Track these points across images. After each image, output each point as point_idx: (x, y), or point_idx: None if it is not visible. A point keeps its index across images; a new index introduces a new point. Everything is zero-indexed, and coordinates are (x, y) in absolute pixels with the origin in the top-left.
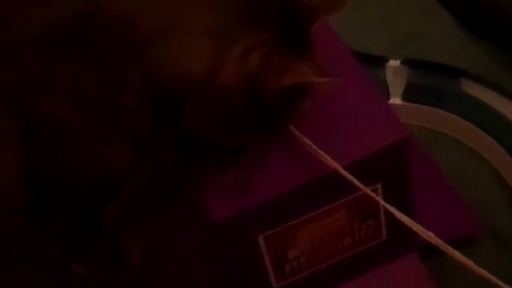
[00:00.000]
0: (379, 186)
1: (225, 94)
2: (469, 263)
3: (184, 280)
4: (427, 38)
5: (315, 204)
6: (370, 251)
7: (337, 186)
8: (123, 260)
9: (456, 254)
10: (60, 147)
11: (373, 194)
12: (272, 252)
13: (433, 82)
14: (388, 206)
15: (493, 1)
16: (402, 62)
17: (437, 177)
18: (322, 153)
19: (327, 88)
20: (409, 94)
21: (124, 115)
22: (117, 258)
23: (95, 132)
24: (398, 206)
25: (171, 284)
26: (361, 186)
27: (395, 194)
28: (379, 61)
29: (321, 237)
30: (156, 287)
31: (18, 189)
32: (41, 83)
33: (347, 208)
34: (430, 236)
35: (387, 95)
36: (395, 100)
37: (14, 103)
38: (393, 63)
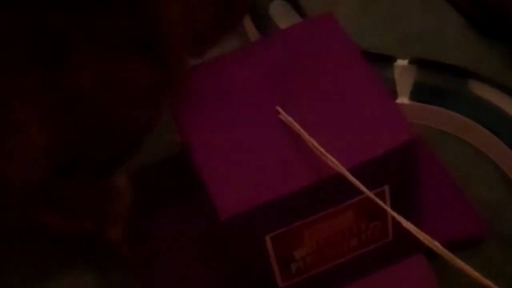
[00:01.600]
0: (386, 188)
1: None
2: (476, 274)
3: (188, 278)
4: (435, 38)
5: (323, 205)
6: (376, 252)
7: (345, 187)
8: (139, 239)
9: (463, 265)
10: (91, 118)
11: (379, 201)
12: (279, 252)
13: (441, 82)
14: (395, 214)
15: (502, 1)
16: (410, 62)
17: (443, 177)
18: (328, 155)
19: None
20: (416, 94)
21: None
22: (134, 236)
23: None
24: (405, 207)
25: (175, 283)
26: (366, 191)
27: (403, 196)
28: (387, 60)
29: (327, 238)
30: (159, 286)
31: (39, 164)
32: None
33: (354, 209)
34: (436, 246)
35: (395, 94)
36: (403, 99)
37: (49, 76)
38: (401, 62)
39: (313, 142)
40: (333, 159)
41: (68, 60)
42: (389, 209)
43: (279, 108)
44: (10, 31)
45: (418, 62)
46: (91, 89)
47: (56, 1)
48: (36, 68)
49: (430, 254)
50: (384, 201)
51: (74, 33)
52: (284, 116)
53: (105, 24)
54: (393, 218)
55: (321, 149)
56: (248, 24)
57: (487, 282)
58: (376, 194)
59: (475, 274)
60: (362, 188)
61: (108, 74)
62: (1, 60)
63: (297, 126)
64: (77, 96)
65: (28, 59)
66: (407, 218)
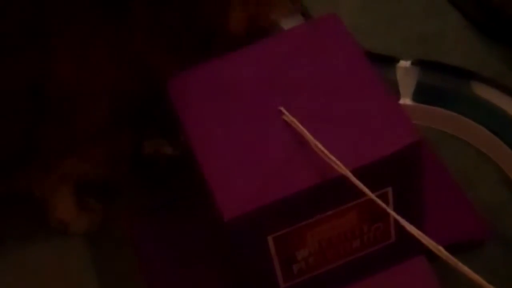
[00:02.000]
0: (389, 190)
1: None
2: (478, 278)
3: (191, 278)
4: (438, 39)
5: (326, 206)
6: (378, 253)
7: (348, 189)
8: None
9: (465, 268)
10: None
11: (381, 203)
12: (281, 252)
13: (443, 83)
14: (397, 217)
15: (504, 2)
16: (413, 63)
17: (445, 179)
18: (331, 156)
19: None
20: (419, 95)
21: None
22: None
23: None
24: (408, 209)
25: (178, 282)
26: (369, 193)
27: (406, 198)
28: (390, 61)
29: (330, 239)
30: (163, 285)
31: (105, 105)
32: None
33: (357, 211)
34: (439, 249)
35: (397, 95)
36: (405, 100)
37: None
38: (404, 63)
39: (316, 143)
40: (337, 161)
41: (127, 15)
42: (392, 212)
43: (282, 109)
44: None
45: (421, 63)
46: (142, 38)
47: None
48: (106, 25)
49: (432, 255)
50: (387, 203)
51: None
52: (288, 116)
53: None
54: (396, 220)
55: (324, 151)
56: None
57: (489, 286)
58: (379, 196)
59: (477, 277)
60: (365, 190)
61: (156, 27)
62: (83, 17)
63: (300, 127)
64: (131, 44)
65: (100, 20)
66: (410, 220)
